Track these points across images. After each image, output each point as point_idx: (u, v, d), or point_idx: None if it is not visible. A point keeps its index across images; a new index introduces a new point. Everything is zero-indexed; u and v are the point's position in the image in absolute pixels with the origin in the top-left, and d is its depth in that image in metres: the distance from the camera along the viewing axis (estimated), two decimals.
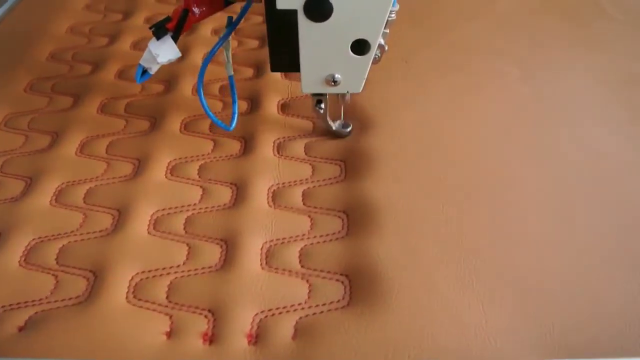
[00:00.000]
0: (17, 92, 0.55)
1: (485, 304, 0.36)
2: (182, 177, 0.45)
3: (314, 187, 0.44)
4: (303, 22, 0.38)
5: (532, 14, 0.67)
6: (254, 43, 0.62)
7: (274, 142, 0.48)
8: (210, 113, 0.46)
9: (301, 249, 0.40)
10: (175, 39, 0.43)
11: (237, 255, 0.39)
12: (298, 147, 0.48)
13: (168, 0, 0.71)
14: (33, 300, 0.36)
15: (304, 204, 0.43)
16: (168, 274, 0.38)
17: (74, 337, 0.34)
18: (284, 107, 0.52)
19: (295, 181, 0.45)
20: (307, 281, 0.38)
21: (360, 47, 0.40)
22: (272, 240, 0.40)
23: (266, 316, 0.35)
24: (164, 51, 0.43)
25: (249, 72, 0.57)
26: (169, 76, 0.56)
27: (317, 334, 0.34)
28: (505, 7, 0.67)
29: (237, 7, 0.45)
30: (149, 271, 0.38)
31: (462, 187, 0.44)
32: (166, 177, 0.45)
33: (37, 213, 0.42)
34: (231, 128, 0.46)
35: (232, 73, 0.46)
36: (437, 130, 0.49)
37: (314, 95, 0.46)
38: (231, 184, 0.45)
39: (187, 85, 0.55)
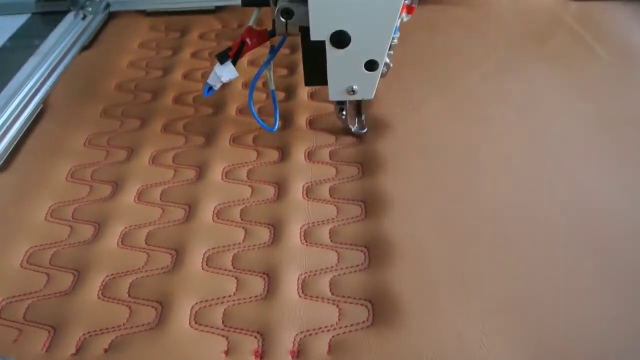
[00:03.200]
0: (78, 147, 0.63)
1: (485, 323, 0.43)
2: (227, 220, 0.53)
3: (339, 225, 0.52)
4: (329, 48, 0.52)
5: (528, 61, 0.74)
6: (281, 95, 0.70)
7: (302, 186, 0.57)
8: (259, 119, 0.59)
9: (330, 279, 0.47)
10: (234, 63, 0.56)
11: (277, 286, 0.47)
12: (324, 190, 0.56)
13: (202, 56, 0.80)
14: (113, 327, 0.44)
15: (330, 240, 0.51)
16: (222, 302, 0.46)
17: (150, 358, 0.42)
18: (310, 155, 0.60)
19: (322, 221, 0.53)
20: (337, 306, 0.45)
21: (371, 65, 0.54)
22: (306, 273, 0.48)
23: (305, 336, 0.43)
24: (226, 73, 0.56)
25: (279, 123, 0.65)
26: (210, 129, 0.64)
27: (347, 349, 0.42)
28: (502, 56, 0.75)
29: (277, 38, 0.56)
30: (206, 301, 0.46)
31: (468, 224, 0.51)
32: (213, 220, 0.53)
33: (108, 254, 0.51)
34: (274, 129, 0.60)
35: (274, 88, 0.59)
36: (446, 174, 0.57)
37: (338, 103, 0.61)
38: (268, 224, 0.53)
39: (225, 137, 0.63)
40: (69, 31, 0.82)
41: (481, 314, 0.44)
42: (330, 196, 0.56)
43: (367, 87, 0.56)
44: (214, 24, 0.87)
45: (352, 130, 0.63)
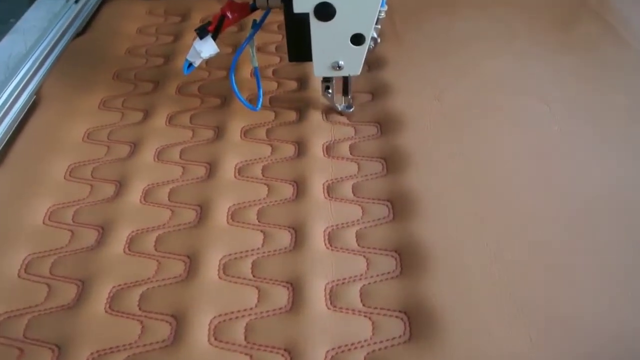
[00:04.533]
0: (77, 142, 0.58)
1: (533, 337, 0.39)
2: (243, 222, 0.49)
3: (366, 227, 0.48)
4: (313, 22, 0.50)
5: (554, 48, 0.70)
6: (293, 84, 0.66)
7: (323, 185, 0.52)
8: (241, 96, 0.57)
9: (361, 288, 0.43)
10: (214, 38, 0.54)
11: (303, 297, 0.43)
12: (346, 189, 0.52)
13: None
14: (124, 345, 0.40)
15: (358, 244, 0.47)
16: (243, 316, 0.42)
17: None
18: (328, 150, 0.56)
19: (348, 223, 0.49)
20: (370, 319, 0.41)
21: (357, 39, 0.52)
22: (333, 281, 0.44)
23: (337, 353, 0.39)
24: (206, 48, 0.53)
25: (292, 115, 0.61)
26: (218, 122, 0.60)
27: None
28: (525, 43, 0.71)
29: (260, 13, 0.55)
30: (225, 314, 0.42)
31: (501, 224, 0.47)
32: (228, 222, 0.49)
33: (114, 261, 0.46)
34: (257, 108, 0.58)
35: (257, 65, 0.57)
36: (473, 168, 0.53)
37: (324, 81, 0.58)
38: (289, 227, 0.48)
39: (236, 132, 0.58)
40: (59, 16, 0.76)
41: (528, 327, 0.40)
42: (354, 195, 0.51)
43: (353, 62, 0.54)
44: (216, 7, 0.82)
45: (339, 109, 0.60)
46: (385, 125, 0.59)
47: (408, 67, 0.66)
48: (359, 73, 0.55)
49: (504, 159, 0.54)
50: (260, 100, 0.58)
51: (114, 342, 0.40)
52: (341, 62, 0.53)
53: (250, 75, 0.67)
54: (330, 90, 0.58)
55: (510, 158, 0.54)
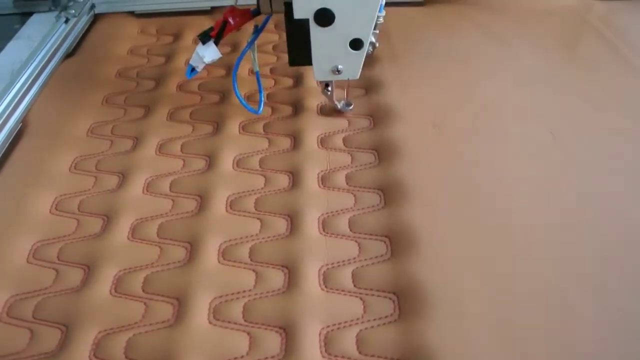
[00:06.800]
0: (63, 172, 0.57)
1: None
2: (234, 260, 0.47)
3: (362, 266, 0.46)
4: (313, 27, 0.51)
5: (557, 70, 0.68)
6: (289, 109, 0.64)
7: (318, 219, 0.50)
8: (243, 101, 0.58)
9: (357, 334, 0.41)
10: (216, 43, 0.55)
11: (296, 343, 0.41)
12: (342, 223, 0.50)
13: None
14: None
15: (354, 285, 0.45)
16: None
17: None
18: (323, 179, 0.54)
19: (344, 261, 0.47)
20: None
21: (356, 44, 0.53)
22: (328, 326, 0.42)
23: None
24: (209, 53, 0.55)
25: (287, 142, 0.59)
26: (210, 152, 0.58)
27: None
28: (528, 62, 0.69)
29: (261, 18, 0.56)
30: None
31: (503, 262, 0.45)
32: (219, 261, 0.47)
33: (100, 305, 0.44)
34: (259, 112, 0.59)
35: (258, 69, 0.58)
36: (476, 206, 0.51)
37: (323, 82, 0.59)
38: (282, 266, 0.46)
39: (228, 161, 0.57)
40: (49, 36, 0.74)
41: None
42: (350, 230, 0.49)
43: (352, 66, 0.55)
44: (209, 24, 0.80)
45: (339, 107, 0.61)
46: (383, 153, 0.57)
47: (406, 91, 0.65)
48: (357, 77, 0.56)
49: (505, 194, 0.51)
50: (262, 103, 0.58)
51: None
52: (340, 67, 0.55)
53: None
54: (329, 88, 0.59)
55: (513, 192, 0.52)
